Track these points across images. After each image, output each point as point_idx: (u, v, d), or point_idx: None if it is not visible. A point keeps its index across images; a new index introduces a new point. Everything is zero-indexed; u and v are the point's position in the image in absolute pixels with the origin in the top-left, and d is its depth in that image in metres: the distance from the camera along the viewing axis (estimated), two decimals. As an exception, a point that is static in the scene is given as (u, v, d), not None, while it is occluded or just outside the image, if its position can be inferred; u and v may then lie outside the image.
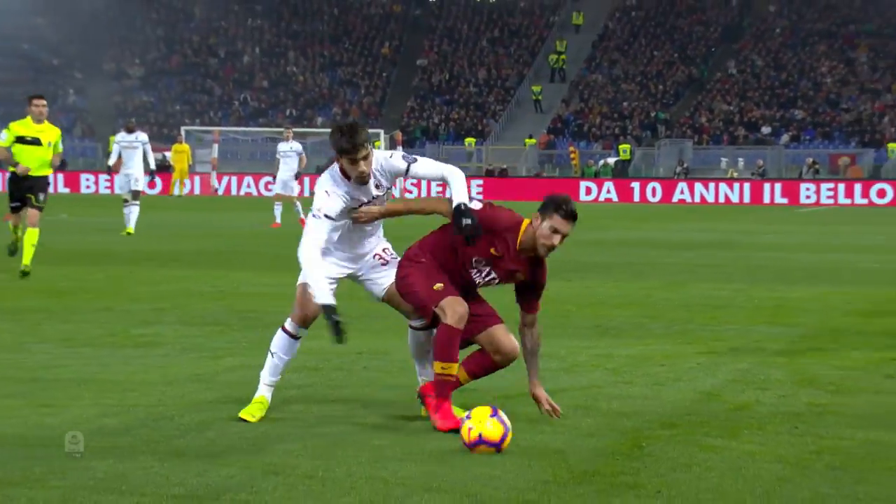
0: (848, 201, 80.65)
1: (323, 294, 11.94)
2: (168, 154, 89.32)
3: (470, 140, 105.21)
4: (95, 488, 9.68)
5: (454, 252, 12.49)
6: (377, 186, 12.36)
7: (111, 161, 43.92)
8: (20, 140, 22.98)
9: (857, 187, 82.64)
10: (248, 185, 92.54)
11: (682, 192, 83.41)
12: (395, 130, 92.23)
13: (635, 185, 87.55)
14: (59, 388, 14.23)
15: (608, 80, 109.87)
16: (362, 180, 12.13)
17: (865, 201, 79.77)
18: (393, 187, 12.45)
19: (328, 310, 11.85)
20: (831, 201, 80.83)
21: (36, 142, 23.02)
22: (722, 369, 16.05)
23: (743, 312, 21.79)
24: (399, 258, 12.62)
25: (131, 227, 41.10)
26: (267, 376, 12.73)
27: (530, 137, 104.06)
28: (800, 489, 10.04)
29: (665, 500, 9.63)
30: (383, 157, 12.48)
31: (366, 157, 12.04)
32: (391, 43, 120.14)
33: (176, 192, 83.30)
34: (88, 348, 17.32)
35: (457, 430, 11.47)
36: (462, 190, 12.31)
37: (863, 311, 22.68)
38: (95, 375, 15.16)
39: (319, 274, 12.15)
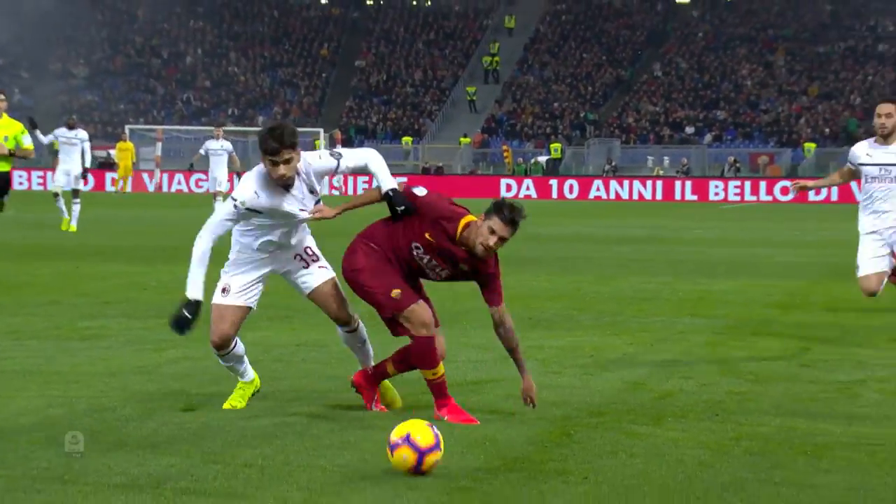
0: (769, 198, 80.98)
1: (195, 289, 11.52)
2: (112, 152, 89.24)
3: (406, 139, 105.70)
4: (38, 478, 9.66)
5: (398, 240, 12.16)
6: (311, 192, 11.76)
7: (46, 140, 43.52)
8: None
9: (773, 186, 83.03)
10: (181, 182, 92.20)
11: (609, 190, 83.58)
12: (334, 130, 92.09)
13: (573, 182, 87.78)
14: (4, 380, 14.19)
15: (539, 82, 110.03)
16: (283, 184, 11.47)
17: (785, 198, 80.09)
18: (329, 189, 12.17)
19: (189, 305, 11.49)
20: (754, 198, 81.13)
21: None
22: (647, 359, 16.15)
23: (668, 304, 21.92)
24: (320, 258, 12.17)
25: (74, 226, 41.11)
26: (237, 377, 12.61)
27: (465, 136, 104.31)
28: (720, 474, 10.11)
29: (592, 485, 9.66)
30: (313, 159, 11.96)
31: (288, 161, 11.38)
32: (330, 45, 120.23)
33: (120, 188, 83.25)
34: (34, 341, 17.27)
35: (470, 423, 11.75)
36: (385, 176, 12.02)
37: (780, 303, 22.84)
38: (41, 367, 15.14)
39: (201, 270, 11.58)
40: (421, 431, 9.18)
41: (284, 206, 11.48)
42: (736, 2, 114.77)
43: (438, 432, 9.35)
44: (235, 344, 12.10)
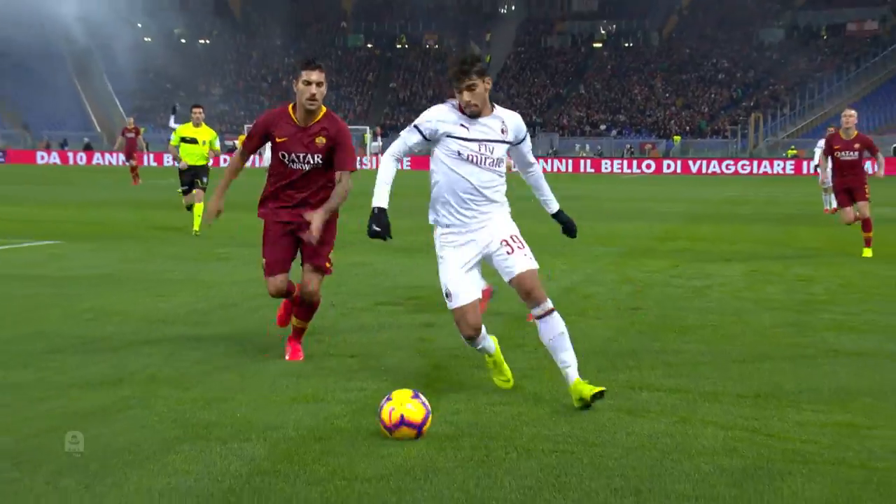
0: (650, 171, 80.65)
1: (380, 198, 7.88)
2: (236, 142, 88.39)
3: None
4: (198, 360, 9.71)
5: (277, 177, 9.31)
6: (503, 131, 7.98)
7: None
8: (183, 140, 21.85)
9: (655, 163, 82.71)
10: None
11: (552, 166, 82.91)
12: (375, 126, 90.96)
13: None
14: (169, 286, 14.15)
15: (507, 97, 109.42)
16: (470, 112, 7.87)
17: (661, 172, 79.83)
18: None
19: (378, 213, 7.85)
20: (639, 171, 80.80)
21: (193, 141, 21.83)
22: (575, 274, 16.09)
23: (589, 238, 21.76)
24: (524, 246, 8.01)
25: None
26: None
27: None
28: (620, 345, 10.18)
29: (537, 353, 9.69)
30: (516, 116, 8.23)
31: (471, 88, 7.82)
32: (373, 73, 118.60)
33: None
34: (189, 262, 17.23)
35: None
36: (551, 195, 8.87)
37: (659, 237, 22.72)
38: (192, 277, 15.16)
39: (384, 186, 7.88)
40: (411, 409, 6.80)
41: (470, 132, 7.89)
42: (631, 46, 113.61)
43: (424, 399, 6.97)
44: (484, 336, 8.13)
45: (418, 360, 9.44)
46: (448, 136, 7.87)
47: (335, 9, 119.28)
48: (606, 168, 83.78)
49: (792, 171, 75.48)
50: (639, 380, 8.63)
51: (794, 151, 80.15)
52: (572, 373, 7.61)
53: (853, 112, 19.07)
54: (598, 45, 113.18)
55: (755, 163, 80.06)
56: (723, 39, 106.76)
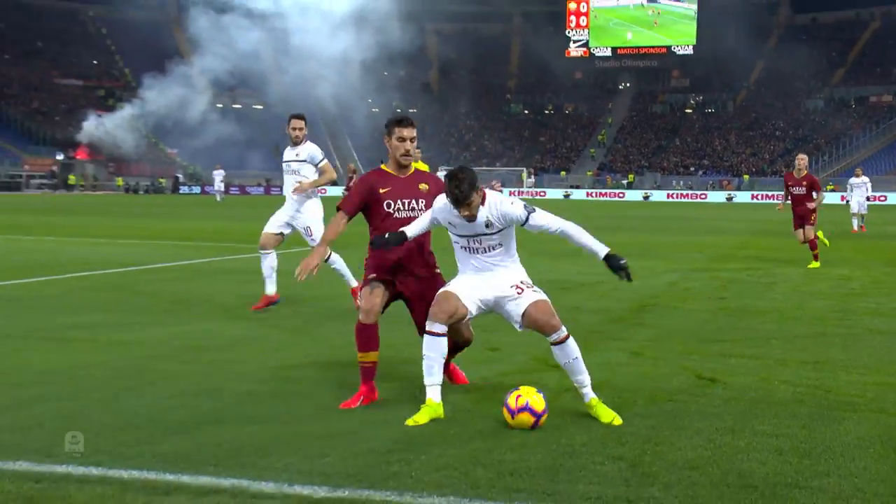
0: (728, 200, 78.69)
1: (409, 230, 6.26)
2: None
3: (563, 172, 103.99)
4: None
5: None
6: (487, 226, 6.14)
7: None
8: None
9: (731, 194, 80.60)
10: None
11: (656, 196, 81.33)
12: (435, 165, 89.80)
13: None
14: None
15: (623, 148, 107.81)
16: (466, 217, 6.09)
17: (734, 201, 77.87)
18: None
19: (394, 237, 6.25)
20: (720, 200, 78.92)
21: None
22: (677, 272, 15.72)
23: (687, 246, 21.24)
24: (534, 286, 6.30)
25: None
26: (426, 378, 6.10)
27: (589, 171, 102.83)
28: (713, 324, 9.90)
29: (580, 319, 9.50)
30: (504, 202, 6.15)
31: (467, 208, 6.02)
32: (528, 132, 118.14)
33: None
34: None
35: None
36: (592, 242, 6.40)
37: (736, 246, 22.13)
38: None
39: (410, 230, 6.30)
40: (536, 400, 5.77)
41: (458, 229, 6.19)
42: (713, 112, 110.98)
43: (545, 396, 5.89)
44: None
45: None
46: (448, 224, 6.26)
47: (503, 86, 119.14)
48: (696, 198, 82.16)
49: (828, 202, 73.09)
50: (728, 350, 8.36)
51: (832, 187, 77.70)
52: (588, 392, 6.07)
53: (804, 157, 18.03)
54: (689, 110, 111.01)
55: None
56: (779, 107, 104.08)
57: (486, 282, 6.25)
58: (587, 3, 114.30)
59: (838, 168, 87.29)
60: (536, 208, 6.15)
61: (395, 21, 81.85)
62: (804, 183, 17.89)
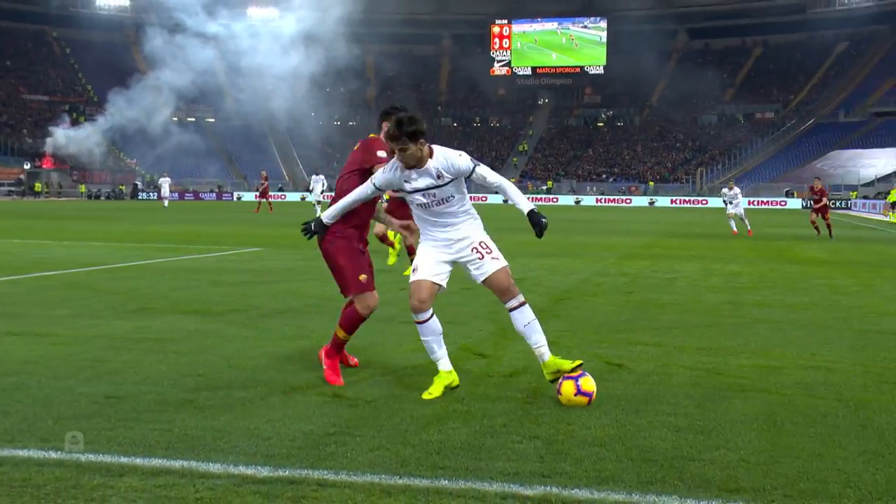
0: (633, 204, 79.48)
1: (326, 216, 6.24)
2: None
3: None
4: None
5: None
6: (439, 177, 5.96)
7: None
8: None
9: (637, 199, 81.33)
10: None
11: (574, 201, 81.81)
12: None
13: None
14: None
15: (542, 157, 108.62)
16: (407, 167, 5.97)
17: (640, 205, 78.72)
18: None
19: (313, 224, 6.26)
20: (627, 204, 79.65)
21: None
22: (589, 268, 15.84)
23: (598, 246, 21.41)
24: (493, 250, 6.17)
25: None
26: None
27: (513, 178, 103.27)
28: (621, 316, 9.98)
29: (568, 319, 9.56)
30: (453, 155, 5.97)
31: (403, 150, 5.86)
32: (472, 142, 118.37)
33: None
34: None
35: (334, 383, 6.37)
36: (522, 199, 6.10)
37: (642, 246, 22.39)
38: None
39: (336, 208, 6.25)
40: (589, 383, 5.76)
41: (411, 184, 6.00)
42: (622, 125, 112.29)
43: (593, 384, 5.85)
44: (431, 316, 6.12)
45: (490, 325, 9.31)
46: (398, 189, 6.10)
47: (434, 101, 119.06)
48: (606, 202, 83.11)
49: (723, 205, 74.12)
50: (634, 338, 8.44)
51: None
52: (545, 351, 6.08)
53: (819, 178, 28.37)
54: (601, 124, 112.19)
55: (701, 200, 79.12)
56: (679, 121, 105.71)
57: (448, 247, 6.14)
58: (509, 28, 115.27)
59: (730, 175, 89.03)
60: (479, 162, 6.07)
61: (339, 42, 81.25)
62: (818, 193, 27.09)
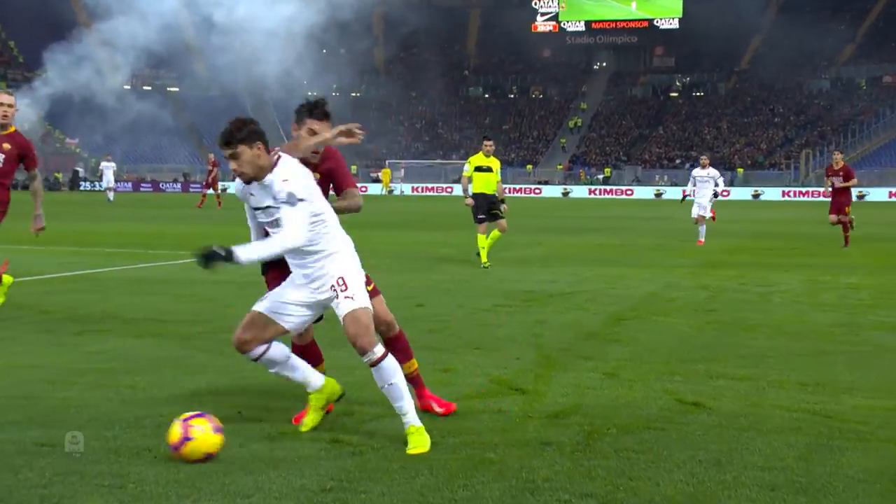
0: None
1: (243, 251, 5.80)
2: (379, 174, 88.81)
3: (528, 166, 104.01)
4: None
5: None
6: (274, 198, 6.00)
7: None
8: (478, 169, 18.83)
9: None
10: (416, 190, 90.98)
11: (636, 193, 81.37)
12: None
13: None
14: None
15: (598, 138, 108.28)
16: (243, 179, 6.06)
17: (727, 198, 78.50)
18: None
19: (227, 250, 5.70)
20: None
21: (488, 169, 18.82)
22: (658, 280, 15.89)
23: (671, 252, 21.36)
24: (349, 288, 6.06)
25: None
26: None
27: (559, 165, 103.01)
28: (699, 340, 10.05)
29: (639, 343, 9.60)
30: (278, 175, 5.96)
31: (233, 157, 5.94)
32: (492, 118, 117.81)
33: (386, 192, 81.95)
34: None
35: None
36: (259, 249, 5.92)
37: (728, 251, 22.40)
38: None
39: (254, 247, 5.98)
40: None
41: (252, 201, 6.20)
42: (702, 95, 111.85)
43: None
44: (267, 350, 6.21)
45: (531, 352, 9.35)
46: (248, 196, 6.20)
47: (460, 65, 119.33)
48: (677, 193, 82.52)
49: (686, 196, 72.82)
50: (715, 370, 8.46)
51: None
52: (409, 420, 5.97)
53: (839, 152, 25.40)
54: (675, 94, 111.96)
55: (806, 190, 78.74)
56: (778, 89, 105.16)
57: (306, 286, 6.16)
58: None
59: (847, 159, 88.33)
60: (302, 204, 5.91)
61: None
62: (841, 174, 24.07)
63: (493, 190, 18.81)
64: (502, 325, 10.88)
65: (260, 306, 6.21)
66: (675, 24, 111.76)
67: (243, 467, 5.54)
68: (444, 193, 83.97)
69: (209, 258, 5.66)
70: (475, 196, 18.73)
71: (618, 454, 5.88)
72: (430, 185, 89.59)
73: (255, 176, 6.00)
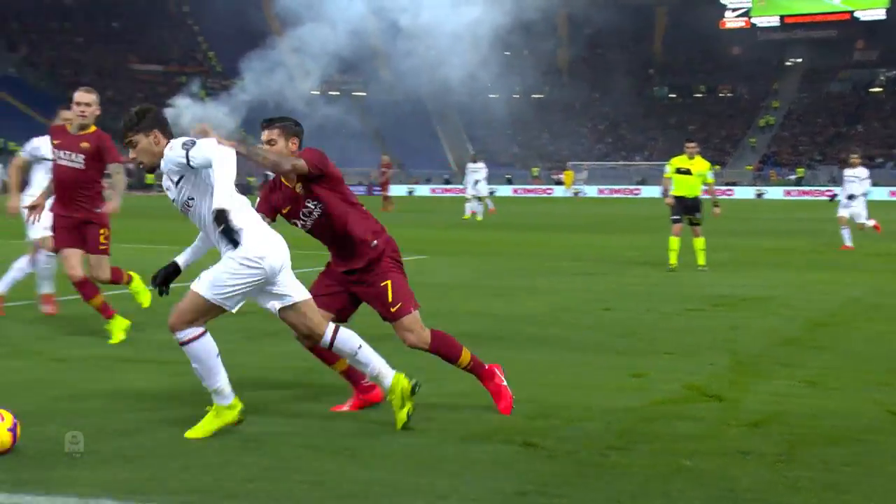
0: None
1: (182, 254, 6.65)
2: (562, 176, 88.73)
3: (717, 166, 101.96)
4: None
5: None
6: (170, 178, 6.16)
7: None
8: (678, 171, 18.49)
9: None
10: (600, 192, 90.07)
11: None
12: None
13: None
14: (513, 291, 14.25)
15: (791, 136, 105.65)
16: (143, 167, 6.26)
17: None
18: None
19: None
20: None
21: (687, 172, 18.36)
22: (861, 285, 15.43)
23: (869, 255, 20.78)
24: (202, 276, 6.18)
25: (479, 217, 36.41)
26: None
27: (749, 165, 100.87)
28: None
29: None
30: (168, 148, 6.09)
31: (131, 146, 6.18)
32: (671, 119, 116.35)
33: (573, 193, 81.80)
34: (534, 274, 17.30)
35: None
36: (222, 187, 5.88)
37: None
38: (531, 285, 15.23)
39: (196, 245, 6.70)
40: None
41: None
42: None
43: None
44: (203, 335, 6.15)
45: (725, 357, 9.17)
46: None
47: (645, 64, 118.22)
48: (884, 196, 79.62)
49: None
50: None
51: None
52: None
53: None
54: (877, 89, 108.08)
55: None
56: None
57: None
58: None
59: None
60: (199, 143, 5.94)
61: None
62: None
63: (695, 194, 18.35)
64: (693, 330, 10.73)
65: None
66: (880, 15, 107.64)
67: (438, 468, 5.57)
68: (630, 196, 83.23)
69: (225, 232, 5.93)
70: (674, 199, 18.37)
71: (824, 466, 5.70)
72: (617, 188, 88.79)
73: (151, 164, 6.18)
